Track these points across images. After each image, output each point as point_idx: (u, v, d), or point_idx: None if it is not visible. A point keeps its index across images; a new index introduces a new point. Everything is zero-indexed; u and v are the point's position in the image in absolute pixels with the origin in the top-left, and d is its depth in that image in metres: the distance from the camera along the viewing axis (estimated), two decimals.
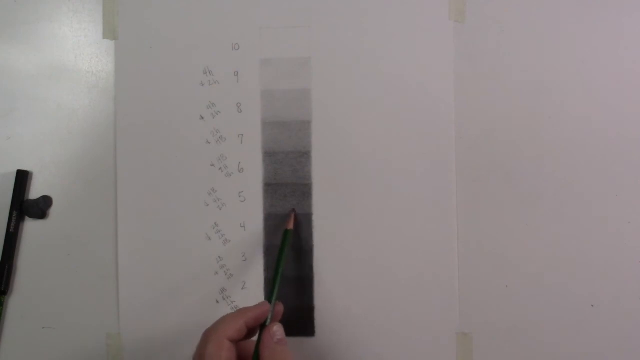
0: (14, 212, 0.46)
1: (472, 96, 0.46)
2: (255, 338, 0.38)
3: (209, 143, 0.47)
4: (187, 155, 0.47)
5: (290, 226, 0.44)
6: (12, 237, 0.46)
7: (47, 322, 0.47)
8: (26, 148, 0.47)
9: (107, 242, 0.47)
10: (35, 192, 0.47)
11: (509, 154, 0.45)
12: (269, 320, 0.38)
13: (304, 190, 0.46)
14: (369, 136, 0.46)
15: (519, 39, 0.45)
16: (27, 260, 0.47)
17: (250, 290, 0.46)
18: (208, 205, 0.46)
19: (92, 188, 0.47)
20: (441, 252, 0.45)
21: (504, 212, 0.45)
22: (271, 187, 0.46)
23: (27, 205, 0.47)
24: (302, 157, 0.46)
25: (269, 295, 0.40)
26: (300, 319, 0.46)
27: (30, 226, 0.47)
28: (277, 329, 0.37)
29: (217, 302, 0.46)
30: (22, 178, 0.47)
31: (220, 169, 0.47)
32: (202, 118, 0.47)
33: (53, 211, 0.47)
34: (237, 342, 0.36)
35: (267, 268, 0.46)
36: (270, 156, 0.46)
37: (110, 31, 0.47)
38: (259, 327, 0.38)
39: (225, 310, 0.46)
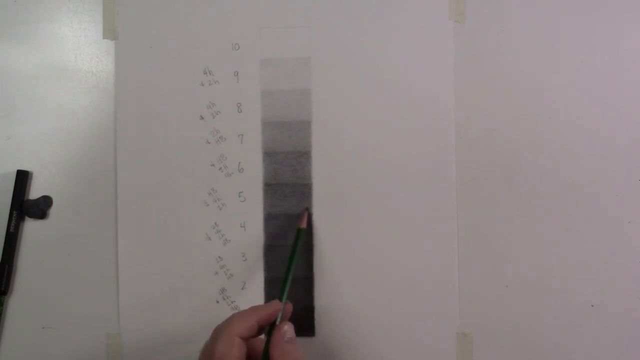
0: (14, 212, 0.46)
1: (472, 96, 0.46)
2: (262, 336, 0.38)
3: (209, 143, 0.47)
4: (187, 155, 0.47)
5: (304, 225, 0.44)
6: (12, 237, 0.46)
7: (47, 322, 0.47)
8: (26, 148, 0.47)
9: (107, 242, 0.47)
10: (35, 192, 0.47)
11: (509, 154, 0.45)
12: (279, 320, 0.38)
13: (304, 190, 0.46)
14: (369, 136, 0.46)
15: (519, 39, 0.45)
16: (27, 260, 0.47)
17: (250, 291, 0.46)
18: (208, 205, 0.46)
19: (92, 188, 0.47)
20: (441, 252, 0.45)
21: (504, 212, 0.45)
22: (271, 187, 0.46)
23: (27, 205, 0.47)
24: (302, 157, 0.46)
25: (279, 294, 0.39)
26: (300, 319, 0.46)
27: (30, 226, 0.47)
28: (288, 328, 0.37)
29: (217, 302, 0.46)
30: (22, 178, 0.47)
31: (220, 169, 0.47)
32: (202, 118, 0.47)
33: (53, 211, 0.47)
34: (246, 339, 0.36)
35: (267, 268, 0.46)
36: (270, 156, 0.46)
37: (110, 31, 0.47)
38: (268, 325, 0.38)
39: (225, 310, 0.46)
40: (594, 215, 0.45)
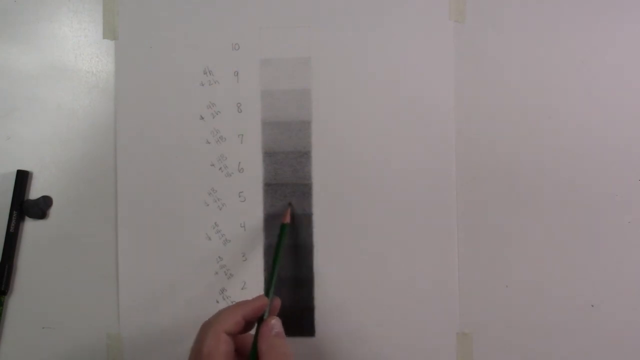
0: (14, 212, 0.46)
1: (472, 96, 0.46)
2: (253, 331, 0.38)
3: (209, 143, 0.47)
4: (187, 155, 0.47)
5: (287, 220, 0.44)
6: (12, 237, 0.46)
7: (47, 322, 0.47)
8: (26, 148, 0.47)
9: (107, 241, 0.47)
10: (35, 192, 0.47)
11: (509, 154, 0.45)
12: (266, 314, 0.38)
13: (304, 190, 0.46)
14: (369, 136, 0.46)
15: (519, 39, 0.45)
16: (27, 260, 0.47)
17: (250, 290, 0.46)
18: (208, 205, 0.46)
19: (92, 188, 0.47)
20: (441, 252, 0.45)
21: (504, 212, 0.45)
22: (271, 187, 0.46)
23: (27, 205, 0.47)
24: (302, 157, 0.46)
25: (266, 290, 0.40)
26: (300, 319, 0.46)
27: (30, 226, 0.47)
28: (275, 322, 0.38)
29: (217, 302, 0.46)
30: (22, 178, 0.47)
31: (220, 169, 0.47)
32: (202, 118, 0.47)
33: (53, 211, 0.47)
34: (234, 335, 0.36)
35: (267, 268, 0.46)
36: (270, 156, 0.46)
37: (110, 31, 0.47)
38: (257, 320, 0.38)
39: None
40: (594, 215, 0.45)
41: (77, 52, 0.48)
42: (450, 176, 0.45)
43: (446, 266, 0.45)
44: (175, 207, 0.46)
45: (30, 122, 0.47)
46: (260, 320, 0.38)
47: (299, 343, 0.45)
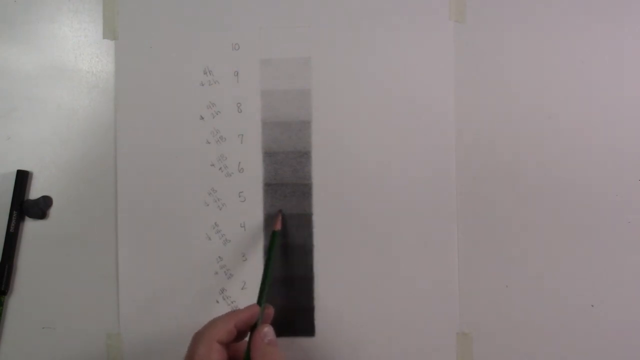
0: (14, 212, 0.46)
1: (472, 96, 0.46)
2: (246, 340, 0.38)
3: (209, 143, 0.47)
4: (187, 155, 0.47)
5: (278, 227, 0.44)
6: (12, 237, 0.46)
7: (47, 322, 0.47)
8: (26, 148, 0.47)
9: (107, 242, 0.47)
10: (35, 192, 0.47)
11: (509, 154, 0.45)
12: (259, 323, 0.38)
13: (304, 190, 0.46)
14: (369, 136, 0.46)
15: (519, 39, 0.45)
16: (27, 260, 0.47)
17: (250, 290, 0.46)
18: (208, 205, 0.46)
19: (92, 188, 0.47)
20: (441, 252, 0.45)
21: (504, 212, 0.45)
22: (271, 187, 0.46)
23: (27, 205, 0.47)
24: (302, 157, 0.46)
25: (258, 298, 0.40)
26: (300, 319, 0.46)
27: (30, 226, 0.47)
28: (268, 330, 0.38)
29: (217, 302, 0.46)
30: (22, 178, 0.47)
31: (220, 169, 0.47)
32: (202, 118, 0.47)
33: (53, 211, 0.47)
34: (227, 344, 0.36)
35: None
36: (270, 156, 0.46)
37: (110, 31, 0.47)
38: (250, 329, 0.38)
39: (225, 310, 0.46)
40: (594, 215, 0.45)
41: (77, 52, 0.48)
42: (450, 176, 0.45)
43: (446, 266, 0.45)
44: (175, 207, 0.46)
45: (30, 122, 0.47)
46: (253, 328, 0.38)
47: (299, 343, 0.45)
